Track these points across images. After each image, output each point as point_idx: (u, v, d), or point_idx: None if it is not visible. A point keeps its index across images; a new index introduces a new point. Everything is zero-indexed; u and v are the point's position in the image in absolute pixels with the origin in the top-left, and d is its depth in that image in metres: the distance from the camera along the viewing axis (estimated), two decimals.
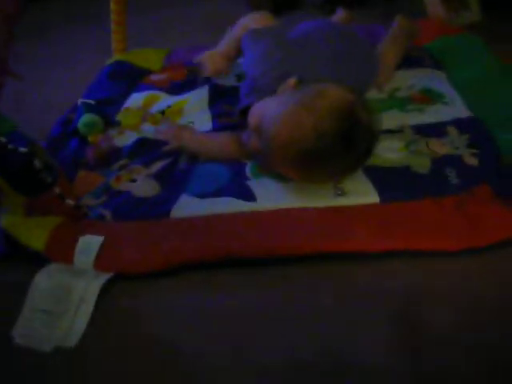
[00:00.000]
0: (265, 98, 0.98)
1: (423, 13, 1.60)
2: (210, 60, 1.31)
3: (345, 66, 1.10)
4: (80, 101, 1.28)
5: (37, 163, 0.85)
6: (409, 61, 1.34)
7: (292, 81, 0.97)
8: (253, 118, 0.97)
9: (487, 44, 1.39)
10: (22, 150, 0.83)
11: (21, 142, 0.87)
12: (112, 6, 1.56)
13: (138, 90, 1.43)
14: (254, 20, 1.26)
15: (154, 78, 1.50)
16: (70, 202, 0.92)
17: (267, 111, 0.93)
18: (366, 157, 0.91)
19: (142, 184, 1.01)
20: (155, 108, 1.32)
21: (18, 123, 0.90)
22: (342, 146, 0.85)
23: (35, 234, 0.87)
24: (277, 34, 1.18)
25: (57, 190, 0.91)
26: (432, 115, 1.12)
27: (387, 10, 1.88)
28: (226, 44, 1.32)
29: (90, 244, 0.84)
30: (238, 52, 1.26)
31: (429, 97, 1.19)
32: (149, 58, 1.63)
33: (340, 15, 1.47)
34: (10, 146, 0.84)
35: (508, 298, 0.75)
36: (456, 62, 1.34)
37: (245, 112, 1.03)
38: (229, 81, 1.34)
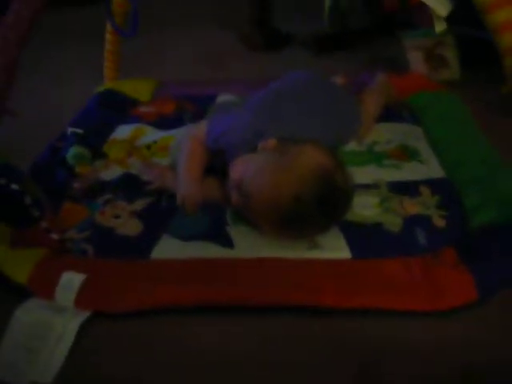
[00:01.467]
0: (246, 155, 1.02)
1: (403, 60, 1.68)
2: (187, 193, 1.08)
3: (325, 120, 1.14)
4: (69, 130, 1.32)
5: (27, 200, 0.88)
6: (388, 114, 1.41)
7: (272, 142, 1.00)
8: (234, 173, 1.01)
9: (463, 101, 1.46)
10: (14, 186, 0.87)
11: (13, 175, 0.91)
12: (108, 36, 1.60)
13: (126, 121, 1.48)
14: (197, 129, 1.18)
15: (142, 109, 1.54)
16: (55, 236, 0.96)
17: (248, 171, 0.97)
18: (342, 217, 0.97)
19: (125, 222, 1.05)
20: (141, 141, 1.36)
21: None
22: (320, 210, 0.90)
23: (19, 267, 0.90)
24: (229, 107, 1.24)
25: (43, 224, 0.94)
26: (407, 173, 1.18)
27: (371, 55, 1.96)
28: (188, 167, 1.12)
29: (71, 281, 0.87)
30: (202, 163, 1.13)
31: (405, 154, 1.25)
32: (139, 88, 1.67)
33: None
34: (1, 181, 0.87)
35: (467, 352, 0.79)
36: (433, 118, 1.40)
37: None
38: None
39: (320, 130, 1.07)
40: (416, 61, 1.62)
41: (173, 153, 1.26)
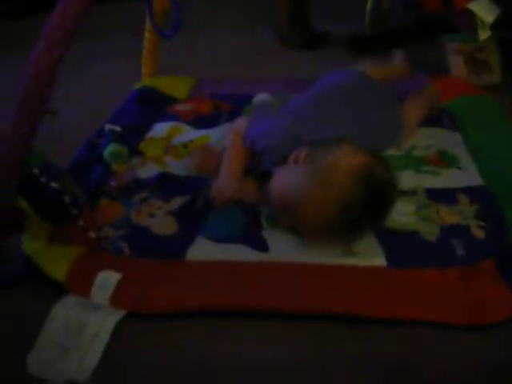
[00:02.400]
0: (280, 170, 1.01)
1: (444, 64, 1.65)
2: (225, 187, 1.09)
3: (366, 127, 1.11)
4: (107, 127, 1.33)
5: (66, 198, 0.89)
6: (428, 119, 1.39)
7: (302, 154, 0.98)
8: (274, 195, 0.99)
9: (504, 107, 1.43)
10: (54, 185, 0.88)
11: (52, 174, 0.92)
12: (146, 34, 1.61)
13: (163, 118, 1.49)
14: (240, 124, 1.20)
15: (179, 107, 1.55)
16: (92, 234, 0.97)
17: (288, 192, 0.95)
18: (391, 210, 0.95)
19: (160, 221, 1.06)
20: (178, 140, 1.37)
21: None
22: (369, 211, 0.90)
23: (57, 264, 0.92)
24: (271, 108, 1.24)
25: (81, 222, 0.95)
26: (445, 180, 1.16)
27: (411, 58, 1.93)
28: (230, 163, 1.13)
29: (107, 280, 0.89)
30: (244, 161, 1.14)
31: (444, 160, 1.23)
32: (176, 85, 1.68)
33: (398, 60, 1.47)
34: (42, 180, 0.88)
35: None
36: (473, 124, 1.38)
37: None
38: None
39: (359, 137, 1.03)
40: (457, 65, 1.59)
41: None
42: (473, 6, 1.16)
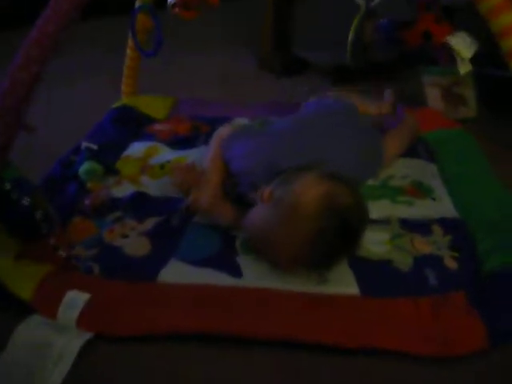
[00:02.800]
0: (251, 210, 1.01)
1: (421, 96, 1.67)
2: (202, 196, 1.11)
3: (347, 158, 1.12)
4: (84, 144, 1.32)
5: (37, 215, 0.88)
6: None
7: (266, 192, 0.97)
8: (247, 232, 1.02)
9: (479, 141, 1.45)
10: (25, 201, 0.86)
11: (25, 189, 0.90)
12: (128, 51, 1.61)
13: (141, 138, 1.48)
14: (223, 132, 1.24)
15: (157, 127, 1.54)
16: (62, 253, 0.95)
17: (257, 229, 0.97)
18: (360, 240, 0.95)
19: (133, 241, 1.04)
20: (155, 160, 1.36)
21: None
22: (338, 241, 0.90)
23: (23, 282, 0.90)
24: (251, 130, 1.22)
25: (51, 240, 0.93)
26: (420, 210, 1.16)
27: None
28: (209, 171, 1.16)
29: (75, 300, 0.87)
30: (222, 170, 1.16)
31: (419, 190, 1.24)
32: (155, 105, 1.68)
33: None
34: (13, 195, 0.87)
35: None
36: (448, 156, 1.39)
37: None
38: None
39: (338, 167, 1.02)
40: (434, 97, 1.62)
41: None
42: (451, 41, 1.18)
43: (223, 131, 1.23)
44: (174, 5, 1.25)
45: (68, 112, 1.76)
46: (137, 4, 1.46)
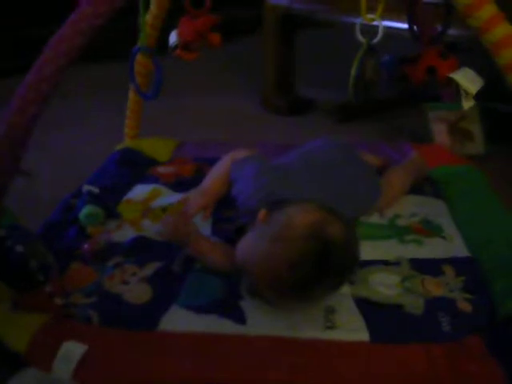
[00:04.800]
0: (246, 236, 0.99)
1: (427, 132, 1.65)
2: (193, 199, 1.24)
3: (340, 190, 1.13)
4: (85, 187, 1.29)
5: (32, 264, 0.85)
6: (411, 187, 1.37)
7: (262, 213, 0.96)
8: (237, 257, 0.98)
9: (487, 177, 1.42)
10: (19, 249, 0.83)
11: (19, 236, 0.87)
12: (131, 94, 1.61)
13: (144, 181, 1.45)
14: (239, 154, 1.26)
15: (160, 170, 1.52)
16: (59, 301, 0.92)
17: (246, 250, 0.96)
18: (344, 271, 0.91)
19: (133, 288, 1.00)
20: (157, 203, 1.33)
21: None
22: (318, 270, 0.86)
23: (18, 333, 0.86)
24: (263, 159, 1.23)
25: (48, 288, 0.90)
26: (429, 250, 1.13)
27: (394, 125, 1.95)
28: (210, 181, 1.27)
29: (71, 352, 0.82)
30: (225, 186, 1.23)
31: (428, 229, 1.20)
32: (158, 148, 1.66)
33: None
34: (7, 243, 0.84)
35: None
36: (456, 194, 1.36)
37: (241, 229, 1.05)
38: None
39: (334, 199, 1.02)
40: (440, 133, 1.60)
41: None
42: (456, 76, 1.17)
43: (238, 154, 1.25)
44: (175, 47, 1.25)
45: (72, 155, 1.76)
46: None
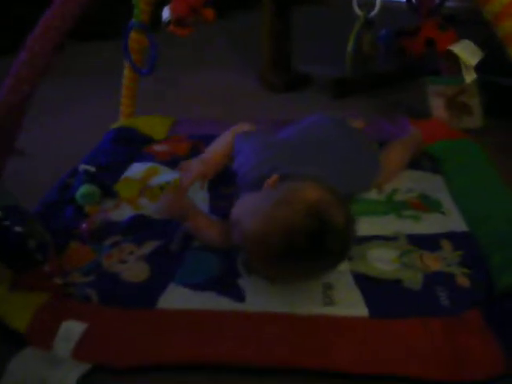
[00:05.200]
0: (248, 194, 0.98)
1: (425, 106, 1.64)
2: (194, 165, 1.23)
3: (340, 166, 1.12)
4: (81, 167, 1.28)
5: (31, 243, 0.84)
6: (409, 162, 1.36)
7: (274, 177, 0.96)
8: (233, 211, 0.97)
9: (486, 150, 1.41)
10: (17, 229, 0.83)
11: (17, 216, 0.87)
12: (126, 72, 1.59)
13: (140, 158, 1.45)
14: (242, 127, 1.27)
15: (156, 148, 1.52)
16: (58, 280, 0.92)
17: (244, 207, 0.95)
18: (338, 260, 0.91)
19: (131, 267, 1.00)
20: (154, 181, 1.33)
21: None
22: (309, 244, 0.84)
23: (18, 312, 0.86)
24: (266, 133, 1.23)
25: (46, 267, 0.90)
26: (427, 225, 1.13)
27: (392, 100, 1.93)
28: (212, 150, 1.28)
29: (71, 331, 0.83)
30: (226, 158, 1.24)
31: (426, 204, 1.20)
32: (154, 126, 1.65)
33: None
34: (5, 223, 0.83)
35: None
36: (454, 168, 1.35)
37: None
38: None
39: (333, 176, 1.01)
40: (438, 107, 1.58)
41: None
42: (455, 49, 1.15)
43: (242, 127, 1.27)
44: (168, 22, 1.23)
45: (67, 136, 1.74)
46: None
